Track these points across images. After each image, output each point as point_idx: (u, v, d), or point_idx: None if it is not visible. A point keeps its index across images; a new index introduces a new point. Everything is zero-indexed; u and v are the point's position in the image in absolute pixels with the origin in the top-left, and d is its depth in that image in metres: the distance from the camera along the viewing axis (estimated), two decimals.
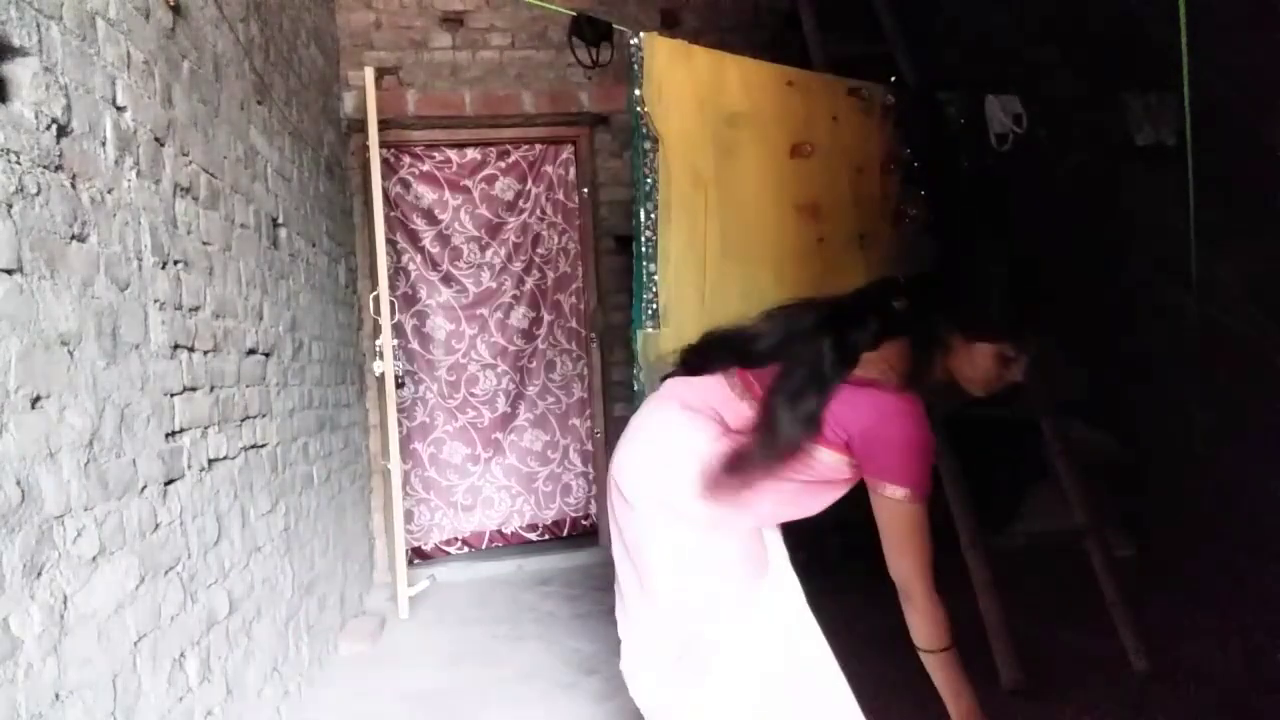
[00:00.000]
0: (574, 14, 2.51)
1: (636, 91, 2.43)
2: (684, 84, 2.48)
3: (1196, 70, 2.27)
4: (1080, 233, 3.84)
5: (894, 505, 1.54)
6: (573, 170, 4.56)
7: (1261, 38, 2.77)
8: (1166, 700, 2.50)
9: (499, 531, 4.59)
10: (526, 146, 4.51)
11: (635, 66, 2.43)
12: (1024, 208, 3.73)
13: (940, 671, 1.60)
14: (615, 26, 2.48)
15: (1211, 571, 3.34)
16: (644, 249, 2.46)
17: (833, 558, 4.18)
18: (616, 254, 4.33)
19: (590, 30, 2.47)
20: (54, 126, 1.43)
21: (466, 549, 4.53)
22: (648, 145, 2.46)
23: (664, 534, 1.67)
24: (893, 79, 3.00)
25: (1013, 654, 2.61)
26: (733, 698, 1.66)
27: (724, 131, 2.55)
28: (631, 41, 2.43)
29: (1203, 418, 3.42)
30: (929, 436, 1.55)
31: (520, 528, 4.62)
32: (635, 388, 2.50)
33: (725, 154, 2.55)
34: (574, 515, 4.71)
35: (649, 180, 2.46)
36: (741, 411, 1.66)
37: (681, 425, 1.66)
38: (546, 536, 4.65)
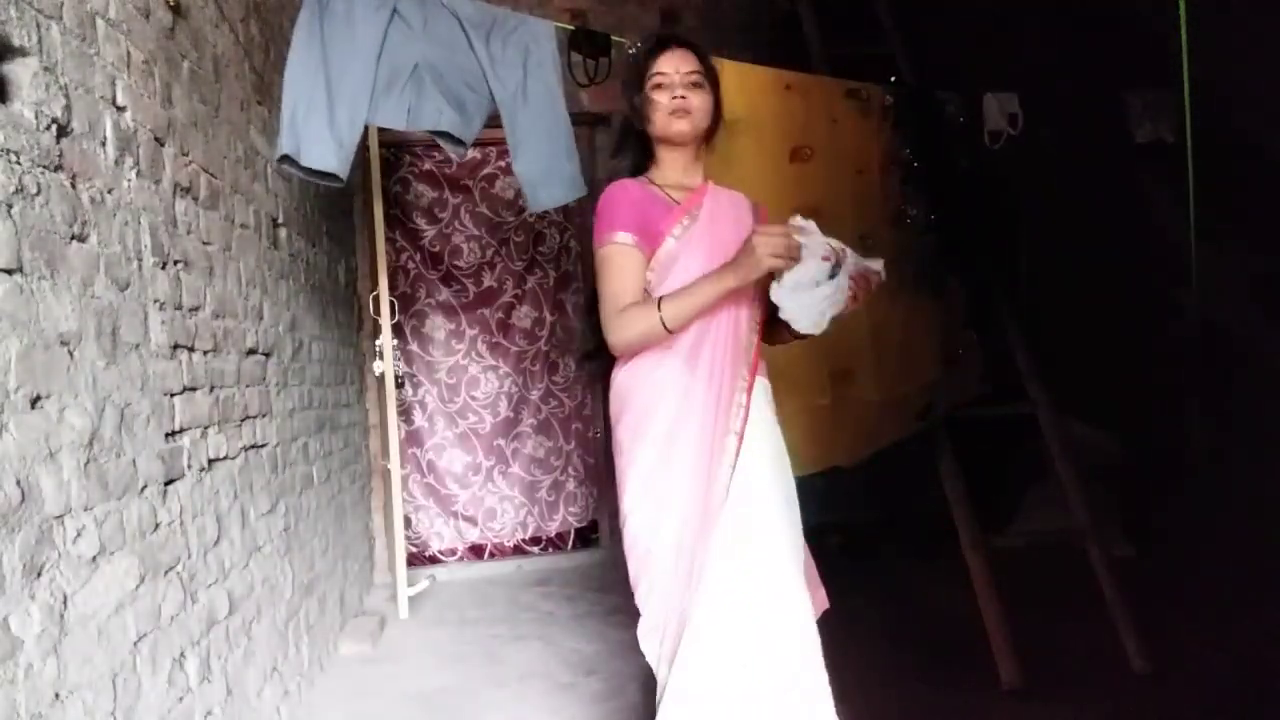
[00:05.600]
0: (571, 29, 2.50)
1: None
2: None
3: (1197, 71, 2.28)
4: (1079, 232, 3.84)
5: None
6: None
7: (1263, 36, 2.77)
8: (1166, 700, 2.50)
9: (501, 545, 4.52)
10: None
11: None
12: (1022, 206, 3.72)
13: (688, 299, 1.62)
14: (614, 39, 2.48)
15: (1211, 571, 3.34)
16: None
17: (832, 557, 4.19)
18: None
19: (589, 44, 2.46)
20: (54, 126, 1.43)
21: (465, 561, 4.46)
22: None
23: None
24: (893, 79, 2.99)
25: (1013, 654, 2.61)
26: None
27: (723, 138, 2.53)
28: (629, 52, 2.42)
29: (1202, 418, 3.42)
30: (609, 196, 1.75)
31: (523, 540, 4.54)
32: None
33: (725, 161, 2.52)
34: (578, 525, 4.63)
35: None
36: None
37: None
38: (550, 550, 4.56)
